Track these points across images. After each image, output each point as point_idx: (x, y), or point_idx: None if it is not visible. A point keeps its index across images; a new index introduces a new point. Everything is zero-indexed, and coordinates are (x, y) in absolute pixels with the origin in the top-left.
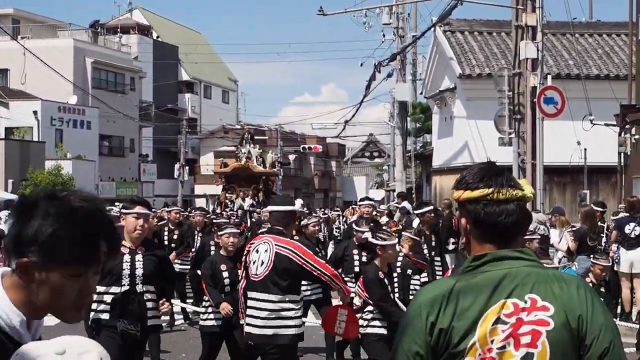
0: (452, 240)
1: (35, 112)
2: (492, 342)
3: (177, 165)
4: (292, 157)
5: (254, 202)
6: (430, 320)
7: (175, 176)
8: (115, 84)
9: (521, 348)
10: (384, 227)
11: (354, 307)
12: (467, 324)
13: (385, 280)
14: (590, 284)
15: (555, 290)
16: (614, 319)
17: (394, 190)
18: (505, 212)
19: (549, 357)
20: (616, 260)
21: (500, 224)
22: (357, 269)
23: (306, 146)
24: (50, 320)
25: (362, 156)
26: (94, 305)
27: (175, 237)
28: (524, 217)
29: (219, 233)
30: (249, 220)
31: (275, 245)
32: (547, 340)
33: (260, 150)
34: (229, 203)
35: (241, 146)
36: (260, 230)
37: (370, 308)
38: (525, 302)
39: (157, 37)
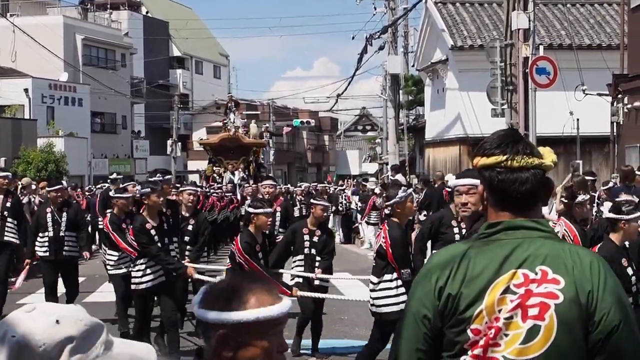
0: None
1: (26, 90)
2: (499, 311)
3: (169, 142)
4: (286, 129)
5: (244, 176)
6: (439, 285)
7: (168, 152)
8: (106, 61)
9: (528, 320)
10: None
11: None
12: (475, 291)
13: None
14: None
15: (567, 263)
16: None
17: (387, 164)
18: (519, 180)
19: (555, 330)
20: None
21: (513, 192)
22: None
23: (300, 120)
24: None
25: (355, 130)
26: None
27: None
28: (542, 186)
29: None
30: (239, 195)
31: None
32: (555, 313)
33: (244, 120)
34: (217, 177)
35: (226, 115)
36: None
37: None
38: (536, 273)
39: (147, 12)
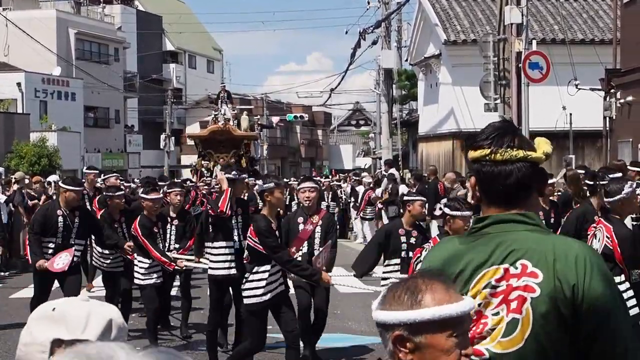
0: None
1: (19, 84)
2: (479, 304)
3: (162, 136)
4: (275, 119)
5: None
6: None
7: (162, 147)
8: (99, 55)
9: (509, 314)
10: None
11: None
12: (460, 284)
13: None
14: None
15: (549, 257)
16: None
17: (380, 158)
18: (503, 173)
19: (532, 323)
20: None
21: (497, 185)
22: None
23: (293, 114)
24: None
25: (349, 124)
26: None
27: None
28: (529, 178)
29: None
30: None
31: None
32: (531, 306)
33: (235, 112)
34: (206, 172)
35: (217, 105)
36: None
37: None
38: (517, 268)
39: (137, 6)
